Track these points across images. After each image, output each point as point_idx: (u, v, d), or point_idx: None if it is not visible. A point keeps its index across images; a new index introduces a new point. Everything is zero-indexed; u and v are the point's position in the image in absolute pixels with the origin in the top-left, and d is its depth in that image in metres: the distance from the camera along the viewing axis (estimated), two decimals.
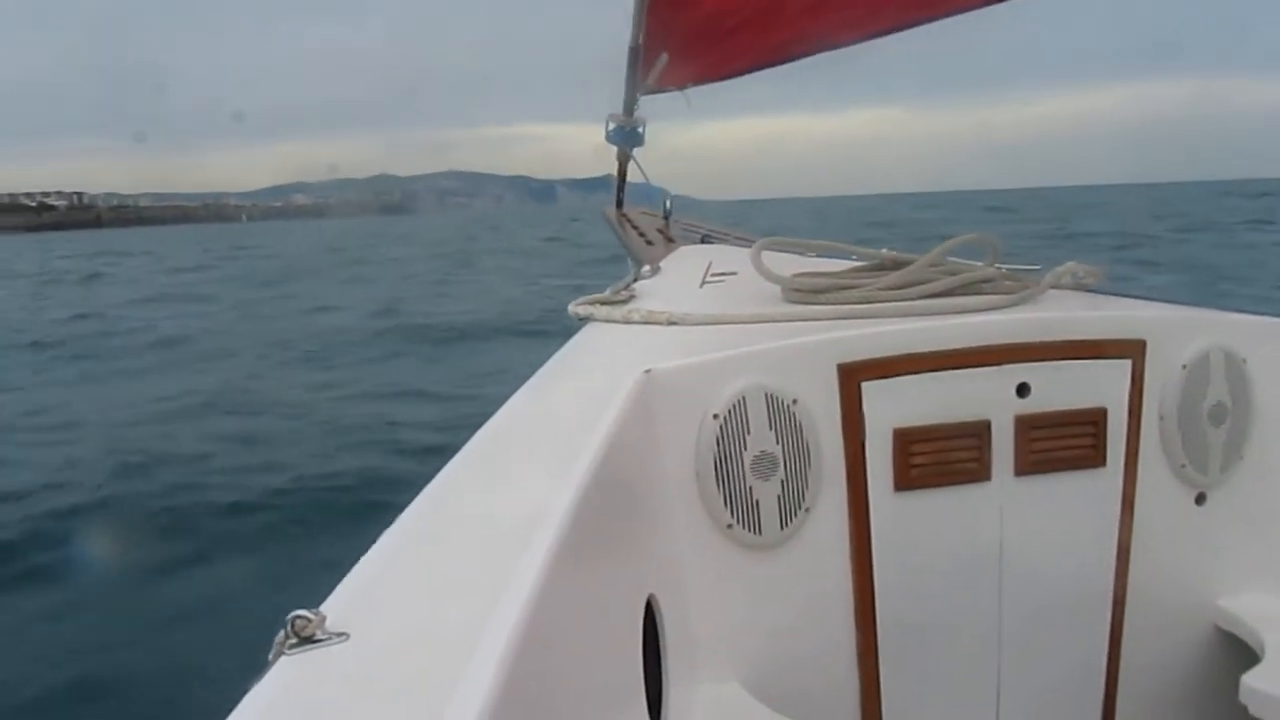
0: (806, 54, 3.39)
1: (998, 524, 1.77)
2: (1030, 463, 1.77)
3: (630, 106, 3.63)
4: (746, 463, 1.65)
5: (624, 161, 3.82)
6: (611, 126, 3.68)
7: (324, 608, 0.83)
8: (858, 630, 1.73)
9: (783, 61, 3.43)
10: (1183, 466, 1.86)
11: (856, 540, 1.72)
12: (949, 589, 1.77)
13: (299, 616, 0.79)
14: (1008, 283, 2.00)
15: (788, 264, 2.22)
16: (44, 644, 4.46)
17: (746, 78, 3.63)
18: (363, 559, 0.95)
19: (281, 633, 0.79)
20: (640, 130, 3.69)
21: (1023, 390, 1.76)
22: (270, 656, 0.78)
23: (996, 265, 2.07)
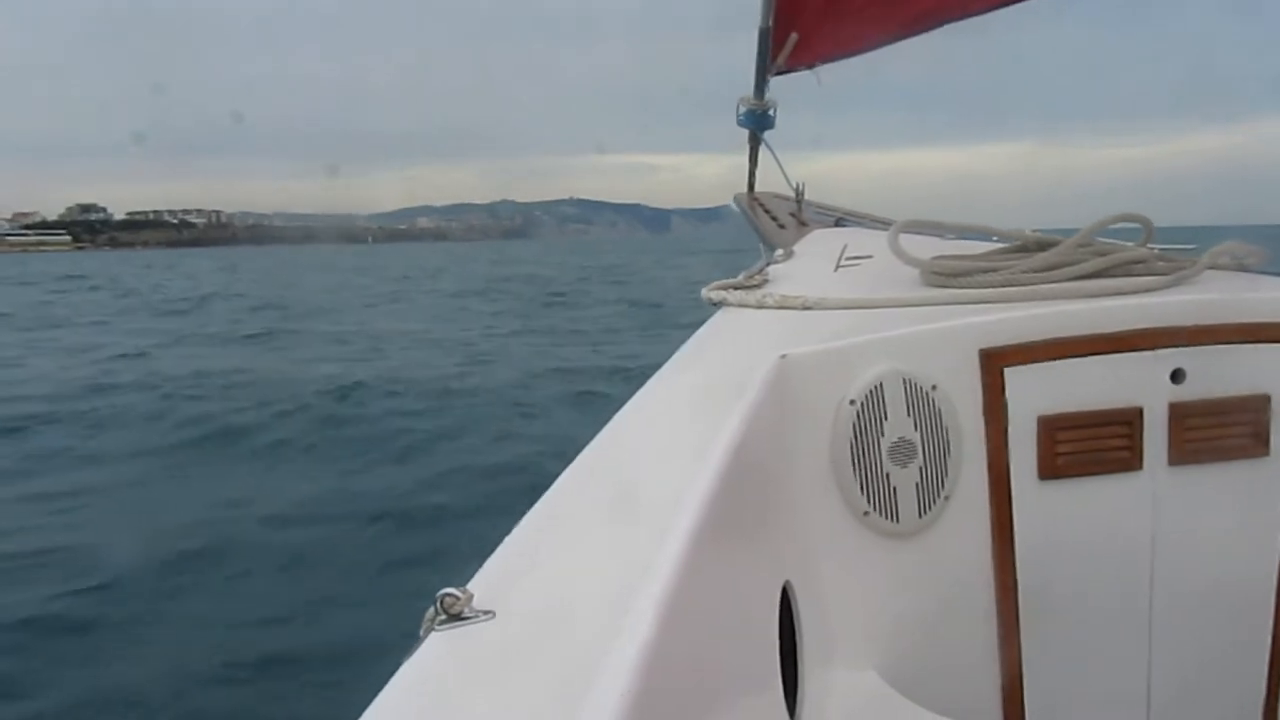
0: (938, 24, 3.37)
1: (1150, 515, 1.69)
2: (1186, 452, 1.68)
3: (761, 89, 3.63)
4: (884, 449, 1.61)
5: (755, 145, 3.82)
6: (742, 110, 3.70)
7: (471, 585, 0.85)
8: (999, 621, 1.68)
9: (914, 34, 3.42)
10: None
11: (998, 529, 1.67)
12: (1097, 581, 1.70)
13: (448, 594, 0.81)
14: (1161, 263, 1.90)
15: (926, 247, 2.17)
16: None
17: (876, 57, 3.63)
18: (507, 539, 0.97)
19: (431, 609, 0.81)
20: (771, 113, 3.69)
21: (1178, 376, 1.68)
22: (421, 632, 0.80)
23: (1149, 245, 1.98)
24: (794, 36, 3.41)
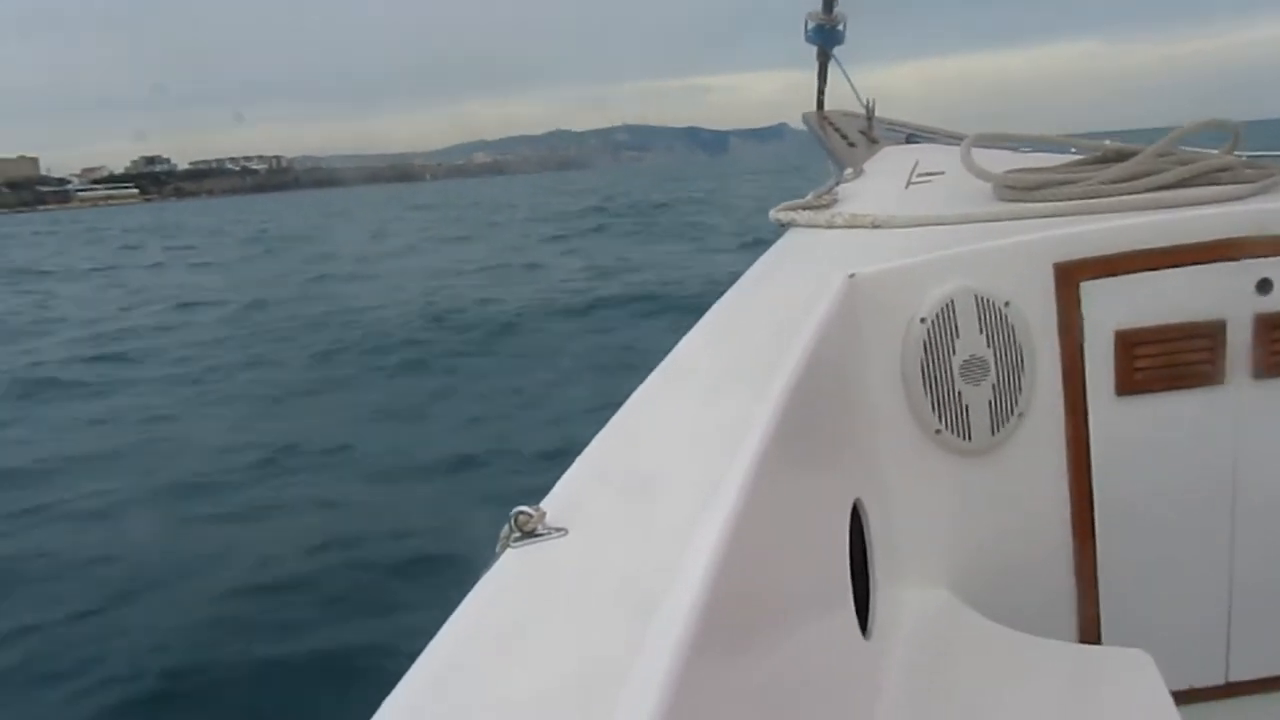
0: None
1: (1232, 430, 1.65)
2: (1272, 365, 1.63)
3: (830, 3, 3.52)
4: (955, 367, 1.59)
5: (824, 61, 3.71)
6: (811, 25, 3.58)
7: (544, 504, 0.86)
8: (1075, 538, 1.66)
9: None
10: None
11: (1074, 446, 1.64)
12: (1175, 496, 1.67)
13: (521, 512, 0.82)
14: (1249, 170, 1.83)
15: (1000, 161, 2.11)
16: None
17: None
18: (578, 458, 0.98)
19: (506, 527, 0.82)
20: (841, 28, 3.57)
21: (1264, 286, 1.62)
22: (497, 549, 0.81)
23: (1235, 153, 1.89)
24: None
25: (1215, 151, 1.90)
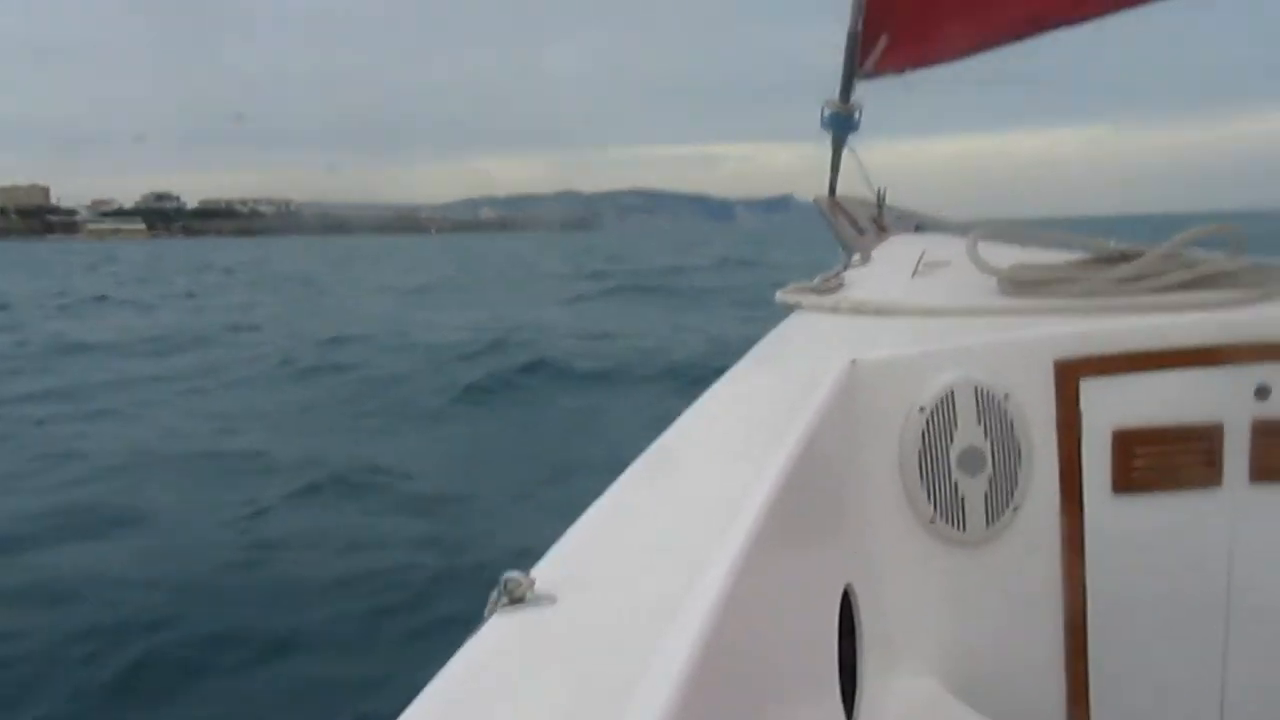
0: (1034, 33, 3.30)
1: (1228, 534, 1.65)
2: (1268, 470, 1.64)
3: (847, 92, 3.59)
4: (953, 457, 1.59)
5: (839, 148, 3.78)
6: (827, 113, 3.65)
7: (534, 571, 0.86)
8: (1066, 635, 1.65)
9: (1009, 42, 3.36)
10: None
11: (1069, 542, 1.64)
12: (1169, 599, 1.66)
13: (511, 578, 0.83)
14: (1252, 276, 1.85)
15: (1006, 254, 2.13)
16: None
17: (964, 67, 3.57)
18: (571, 528, 0.98)
19: (495, 591, 0.83)
20: (856, 116, 3.65)
21: (1262, 393, 1.64)
22: (485, 613, 0.82)
23: (1239, 258, 1.91)
24: (884, 40, 3.37)
25: (1219, 255, 1.92)
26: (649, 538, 0.99)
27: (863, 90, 3.63)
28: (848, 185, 3.94)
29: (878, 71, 3.48)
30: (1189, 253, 1.93)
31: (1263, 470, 1.64)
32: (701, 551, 0.90)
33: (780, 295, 2.24)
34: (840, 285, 2.27)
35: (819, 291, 2.19)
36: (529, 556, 0.91)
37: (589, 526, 1.00)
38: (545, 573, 0.87)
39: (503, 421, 9.58)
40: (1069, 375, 1.64)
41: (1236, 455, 1.64)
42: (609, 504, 1.07)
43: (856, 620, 1.42)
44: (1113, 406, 1.64)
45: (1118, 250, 2.02)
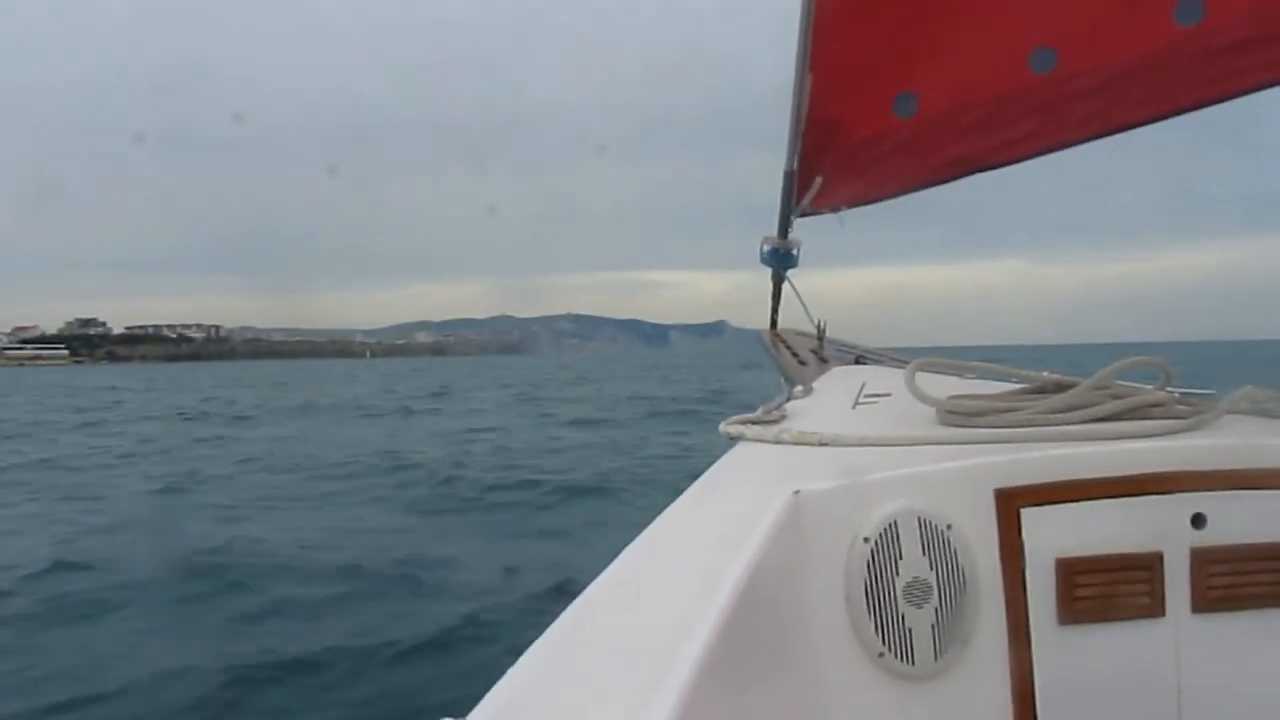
0: (963, 175, 3.43)
1: (1174, 664, 1.65)
2: (1210, 599, 1.65)
3: (784, 228, 3.69)
4: (899, 589, 1.59)
5: (778, 283, 3.88)
6: (766, 248, 3.75)
7: (470, 717, 0.85)
8: None
9: (939, 182, 3.48)
10: None
11: (1017, 674, 1.63)
12: None
13: None
14: (1180, 407, 1.90)
15: (944, 386, 2.18)
16: None
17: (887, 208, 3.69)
18: (508, 672, 0.96)
19: None
20: (795, 252, 3.75)
21: (1198, 521, 1.66)
22: None
23: (1168, 389, 1.98)
24: (819, 180, 3.47)
25: (1149, 387, 1.97)
26: (587, 679, 0.97)
27: (799, 226, 3.73)
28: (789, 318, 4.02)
29: (814, 210, 3.58)
30: (1119, 384, 1.98)
31: (1203, 600, 1.65)
32: (642, 695, 0.88)
33: (724, 426, 2.24)
34: (783, 416, 2.28)
35: (762, 423, 2.19)
36: (467, 701, 0.88)
37: (526, 669, 0.97)
38: (482, 719, 0.85)
39: None
40: (1010, 504, 1.65)
41: (1177, 585, 1.65)
42: (549, 646, 1.04)
43: None
44: (1055, 535, 1.64)
45: (1052, 380, 2.07)
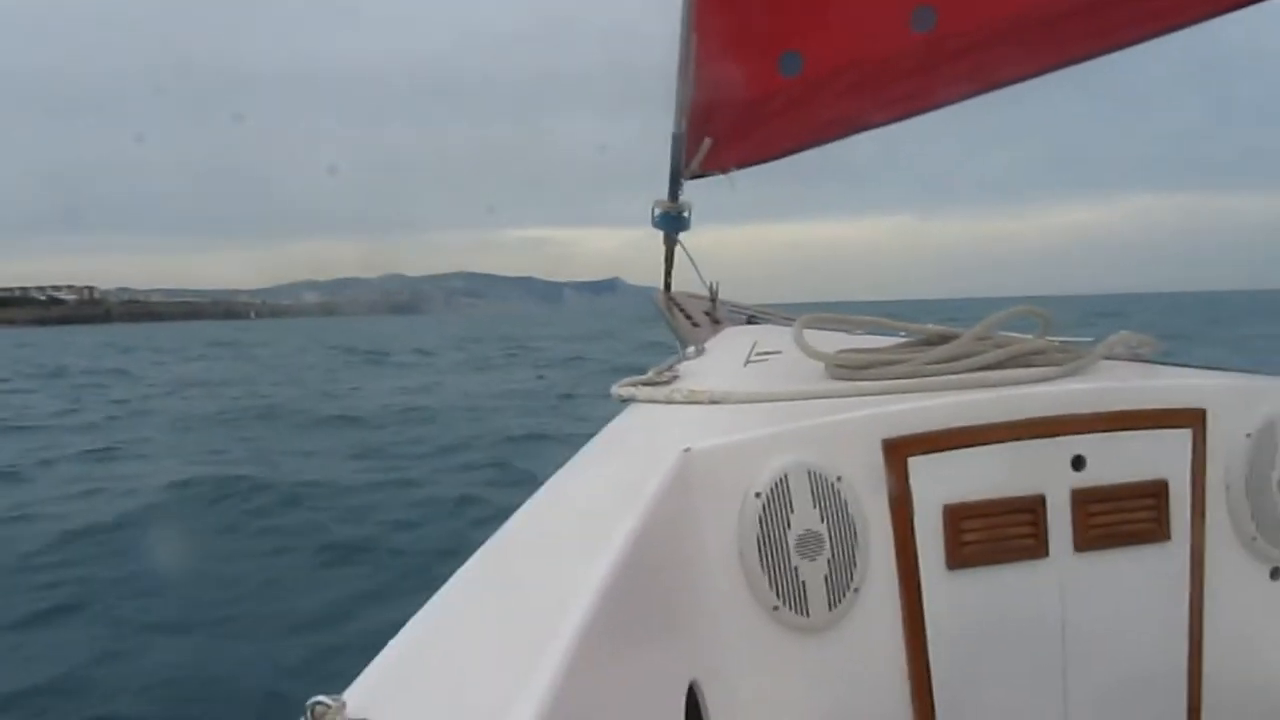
0: (848, 133, 3.47)
1: (1058, 602, 1.71)
2: (1090, 538, 1.72)
3: (675, 191, 3.69)
4: (791, 542, 1.61)
5: (670, 246, 3.87)
6: (658, 212, 3.75)
7: (346, 694, 0.81)
8: (914, 713, 1.68)
9: (825, 141, 3.51)
10: (1254, 539, 1.79)
11: (909, 621, 1.68)
12: (1009, 669, 1.71)
13: (319, 703, 0.77)
14: (1059, 354, 1.97)
15: (833, 341, 2.21)
16: None
17: (783, 165, 3.71)
18: (388, 644, 0.93)
19: (301, 719, 0.77)
20: (686, 215, 3.75)
21: (1078, 463, 1.72)
22: None
23: (1047, 338, 2.04)
24: (708, 142, 3.46)
25: (1029, 336, 2.03)
26: (473, 647, 0.94)
27: (690, 188, 3.73)
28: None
29: (703, 172, 3.57)
30: (1001, 334, 2.04)
31: (1085, 539, 1.71)
32: (529, 658, 0.86)
33: (615, 389, 2.24)
34: (675, 377, 2.29)
35: (654, 384, 2.19)
36: (342, 678, 0.84)
37: (406, 641, 0.94)
38: (357, 695, 0.81)
39: None
40: (897, 454, 1.68)
41: (1060, 525, 1.71)
42: (430, 616, 1.01)
43: (704, 714, 1.39)
44: (941, 483, 1.68)
45: (936, 333, 2.12)
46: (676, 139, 3.48)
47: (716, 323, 3.61)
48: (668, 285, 4.05)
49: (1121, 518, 1.73)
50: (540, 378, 23.28)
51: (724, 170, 3.58)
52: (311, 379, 26.02)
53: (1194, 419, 1.77)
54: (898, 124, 3.44)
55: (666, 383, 2.22)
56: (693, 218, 3.79)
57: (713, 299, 3.82)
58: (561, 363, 28.55)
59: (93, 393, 23.49)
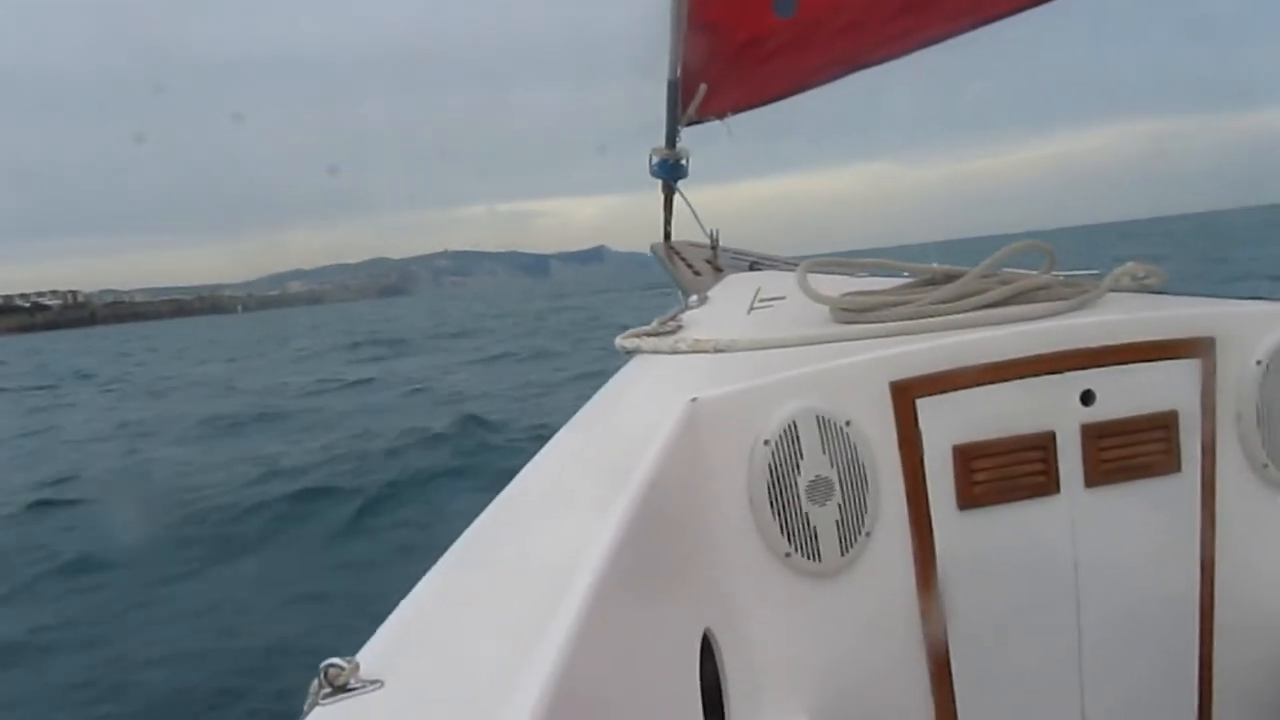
0: (844, 73, 3.47)
1: (1070, 538, 1.71)
2: (1100, 472, 1.71)
3: (672, 139, 3.67)
4: (801, 488, 1.61)
5: (669, 194, 3.85)
6: (655, 160, 3.73)
7: (359, 655, 0.81)
8: (929, 654, 1.68)
9: (822, 83, 3.51)
10: (1265, 466, 1.77)
11: (921, 563, 1.67)
12: (1023, 607, 1.71)
13: (332, 665, 0.77)
14: (1065, 288, 1.95)
15: (837, 285, 2.19)
16: None
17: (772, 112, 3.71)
18: (401, 603, 0.93)
19: (315, 681, 0.77)
20: (684, 162, 3.74)
21: (1087, 398, 1.71)
22: (305, 706, 0.76)
23: (1053, 272, 2.02)
24: (703, 88, 3.46)
25: (1034, 272, 2.01)
26: (484, 606, 0.94)
27: (686, 135, 3.73)
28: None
29: (700, 118, 3.58)
30: (1005, 270, 2.02)
31: (1096, 474, 1.71)
32: (542, 612, 0.86)
33: (620, 341, 2.23)
34: (679, 327, 2.28)
35: (658, 335, 2.19)
36: (358, 637, 0.85)
37: (419, 600, 0.95)
38: (371, 655, 0.82)
39: None
40: (905, 396, 1.67)
41: (1070, 461, 1.70)
42: (441, 573, 1.01)
43: (720, 663, 1.39)
44: (950, 424, 1.68)
45: (940, 272, 2.10)
46: (671, 85, 3.47)
47: (718, 270, 3.57)
48: (667, 235, 4.04)
49: (1132, 451, 1.72)
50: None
51: (720, 115, 3.58)
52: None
53: (1203, 348, 1.75)
54: (892, 62, 3.45)
55: (671, 333, 2.21)
56: (690, 166, 3.80)
57: (713, 247, 3.79)
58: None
59: None
